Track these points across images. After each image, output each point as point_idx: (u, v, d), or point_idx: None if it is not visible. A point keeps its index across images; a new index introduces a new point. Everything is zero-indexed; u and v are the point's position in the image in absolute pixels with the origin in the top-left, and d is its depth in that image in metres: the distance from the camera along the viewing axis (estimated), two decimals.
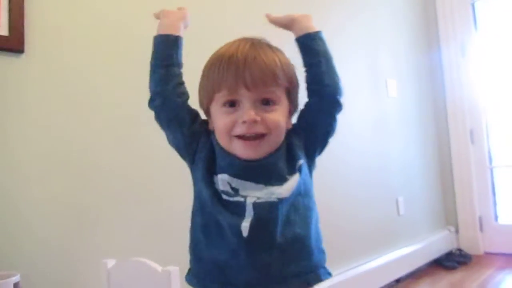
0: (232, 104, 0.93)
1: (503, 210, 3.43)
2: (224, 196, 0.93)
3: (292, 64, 1.00)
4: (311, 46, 1.03)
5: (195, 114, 1.01)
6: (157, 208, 1.70)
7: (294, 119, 1.03)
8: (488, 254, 3.35)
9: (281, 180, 0.94)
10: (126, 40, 1.70)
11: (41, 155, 1.45)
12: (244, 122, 0.90)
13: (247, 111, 0.90)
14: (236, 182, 0.93)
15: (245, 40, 0.98)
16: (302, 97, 1.03)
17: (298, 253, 0.94)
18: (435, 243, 3.25)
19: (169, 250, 1.48)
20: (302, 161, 0.98)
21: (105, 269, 1.26)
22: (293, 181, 0.94)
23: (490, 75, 3.46)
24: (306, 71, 1.02)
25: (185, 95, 1.01)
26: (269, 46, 0.99)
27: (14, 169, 1.39)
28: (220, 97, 0.93)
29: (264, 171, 0.94)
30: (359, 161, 2.71)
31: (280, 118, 0.94)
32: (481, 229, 3.41)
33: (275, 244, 0.91)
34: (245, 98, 0.91)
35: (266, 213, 0.91)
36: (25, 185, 1.40)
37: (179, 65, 1.03)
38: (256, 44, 0.96)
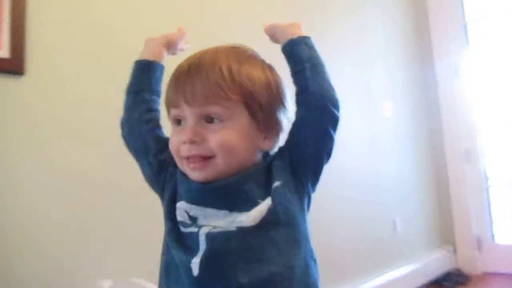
0: (178, 121, 0.83)
1: (500, 230, 3.42)
2: (182, 228, 0.80)
3: (268, 79, 0.85)
4: (294, 52, 0.89)
5: (164, 142, 0.88)
6: (154, 228, 1.69)
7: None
8: (486, 274, 3.33)
9: (251, 205, 0.78)
10: (126, 64, 1.71)
11: (39, 176, 1.46)
12: (184, 142, 0.79)
13: (186, 130, 0.79)
14: (194, 210, 0.79)
15: (214, 47, 0.86)
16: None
17: None
18: (433, 263, 3.23)
19: None
20: (278, 183, 0.81)
21: None
22: (262, 207, 0.78)
23: (484, 94, 3.48)
24: (293, 81, 0.88)
25: (152, 122, 0.91)
26: (243, 56, 0.85)
27: (12, 189, 1.40)
28: (170, 113, 0.85)
29: (226, 195, 0.79)
30: (355, 181, 2.71)
31: (230, 136, 0.79)
32: (479, 248, 3.39)
33: (237, 286, 0.74)
34: (188, 114, 0.80)
35: (220, 245, 0.75)
36: (23, 205, 1.41)
37: (151, 91, 0.93)
38: (214, 52, 0.84)
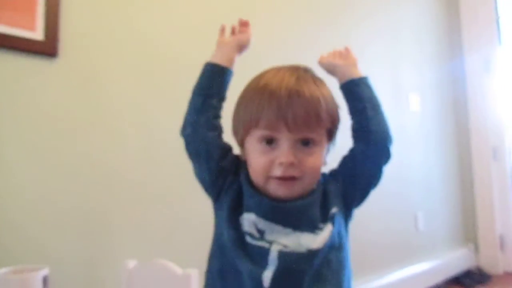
0: (269, 141, 0.86)
1: None
2: (248, 239, 0.85)
3: (335, 100, 0.93)
4: (356, 92, 0.97)
5: (226, 149, 0.94)
6: (177, 210, 1.73)
7: (334, 162, 0.97)
8: (508, 274, 3.29)
9: (312, 227, 0.86)
10: (157, 50, 1.74)
11: (70, 161, 1.50)
12: (281, 163, 0.83)
13: (285, 153, 0.83)
14: (263, 224, 0.85)
15: (290, 70, 0.90)
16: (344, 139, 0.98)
17: None
18: (454, 260, 3.20)
19: (189, 252, 1.51)
20: (336, 210, 0.89)
21: (126, 270, 1.29)
22: (326, 232, 0.85)
23: None
24: (352, 118, 0.96)
25: (218, 129, 0.94)
26: (314, 79, 0.91)
27: (44, 172, 1.44)
28: (257, 132, 0.86)
29: (294, 215, 0.86)
30: None
31: (318, 161, 0.87)
32: (501, 248, 3.35)
33: None
34: (284, 138, 0.84)
35: (292, 264, 0.82)
36: (53, 188, 1.45)
37: (219, 97, 0.95)
38: (301, 78, 0.88)
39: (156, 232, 1.66)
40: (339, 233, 0.88)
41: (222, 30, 1.04)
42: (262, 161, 0.85)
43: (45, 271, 1.15)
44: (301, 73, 0.90)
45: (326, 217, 0.88)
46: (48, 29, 1.47)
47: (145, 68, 1.70)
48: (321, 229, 0.86)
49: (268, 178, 0.86)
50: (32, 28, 1.45)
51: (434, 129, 3.33)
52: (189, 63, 1.80)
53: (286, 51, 2.14)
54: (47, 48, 1.47)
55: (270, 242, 0.84)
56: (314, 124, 0.85)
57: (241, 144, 0.93)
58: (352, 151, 0.95)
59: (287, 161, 0.83)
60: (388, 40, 2.98)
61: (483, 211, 3.42)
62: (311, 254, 0.83)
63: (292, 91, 0.84)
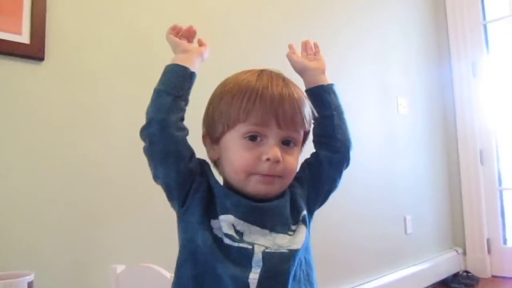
0: (252, 138, 0.85)
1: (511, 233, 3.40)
2: (227, 241, 0.82)
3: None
4: (324, 98, 0.99)
5: (192, 152, 0.90)
6: (166, 214, 1.70)
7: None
8: (495, 278, 3.31)
9: (286, 229, 0.86)
10: (146, 50, 1.73)
11: (56, 163, 1.48)
12: (268, 159, 0.83)
13: (273, 149, 0.84)
14: (241, 225, 0.84)
15: (273, 74, 0.91)
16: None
17: None
18: (442, 263, 3.22)
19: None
20: (305, 213, 0.91)
21: (114, 274, 1.27)
22: (302, 233, 0.87)
23: (501, 97, 3.45)
24: (317, 123, 0.98)
25: (185, 131, 0.90)
26: (294, 83, 0.92)
27: (29, 174, 1.42)
28: (244, 127, 0.85)
29: (270, 216, 0.86)
30: (368, 178, 2.71)
31: (296, 162, 0.90)
32: (489, 251, 3.37)
33: None
34: (272, 135, 0.85)
35: (277, 265, 0.81)
36: (39, 191, 1.43)
37: (186, 100, 0.92)
38: (287, 80, 0.91)
39: (145, 236, 1.64)
40: (308, 236, 0.89)
41: (175, 29, 1.00)
42: (247, 156, 0.84)
43: (30, 277, 1.13)
44: (285, 77, 0.92)
45: (296, 219, 0.89)
46: (35, 32, 1.46)
47: (134, 70, 1.69)
48: (293, 230, 0.87)
49: (250, 174, 0.85)
50: (18, 31, 1.43)
51: (423, 132, 3.36)
52: None
53: (273, 52, 2.14)
54: (33, 52, 1.46)
55: (251, 244, 0.82)
56: (300, 123, 0.87)
57: (217, 140, 0.91)
58: (317, 157, 0.98)
59: (275, 157, 0.83)
60: (377, 45, 3.00)
61: (470, 214, 3.45)
62: (292, 254, 0.83)
63: (283, 91, 0.86)
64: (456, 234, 3.51)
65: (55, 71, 1.50)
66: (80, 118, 1.55)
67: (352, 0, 2.85)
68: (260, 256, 0.81)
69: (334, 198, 2.57)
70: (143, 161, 1.67)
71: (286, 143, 0.87)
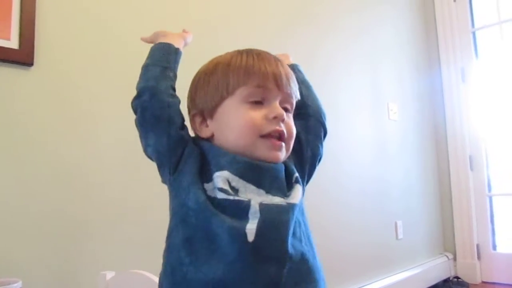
0: (257, 102, 0.85)
1: (501, 239, 3.42)
2: (221, 195, 0.80)
3: None
4: None
5: (184, 121, 0.91)
6: (155, 219, 1.70)
7: None
8: (485, 283, 3.33)
9: (282, 193, 0.84)
10: (136, 57, 1.72)
11: (44, 169, 1.46)
12: (275, 117, 0.84)
13: (278, 107, 0.86)
14: (236, 181, 0.82)
15: (256, 49, 0.93)
16: None
17: (306, 276, 0.80)
18: (433, 269, 3.23)
19: None
20: (297, 175, 0.90)
21: (103, 281, 1.26)
22: (297, 190, 0.86)
23: (490, 103, 3.48)
24: None
25: (176, 98, 0.92)
26: None
27: (18, 181, 1.41)
28: (246, 90, 0.85)
29: (268, 176, 0.84)
30: (358, 183, 2.72)
31: (294, 127, 0.91)
32: (478, 257, 3.39)
33: (287, 256, 0.77)
34: (274, 96, 0.86)
35: (276, 216, 0.79)
36: (27, 198, 1.42)
37: (174, 73, 0.95)
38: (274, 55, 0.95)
39: (135, 242, 1.63)
40: (302, 198, 0.88)
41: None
42: (254, 115, 0.84)
43: (17, 284, 1.12)
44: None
45: (291, 185, 0.88)
46: (24, 37, 1.45)
47: (123, 78, 1.68)
48: (289, 195, 0.85)
49: (257, 137, 0.84)
50: (7, 37, 1.42)
51: (413, 138, 3.38)
52: None
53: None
54: (22, 57, 1.44)
55: (247, 198, 0.80)
56: (294, 88, 0.91)
57: (211, 112, 0.89)
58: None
59: (281, 115, 0.85)
60: (367, 51, 3.02)
61: (460, 220, 3.47)
62: (291, 207, 0.81)
63: (275, 57, 0.91)
64: (446, 240, 3.53)
65: (44, 76, 1.49)
66: (69, 124, 1.53)
67: (343, 6, 2.87)
68: (257, 208, 0.78)
69: (324, 202, 2.57)
70: (132, 168, 1.67)
71: (285, 109, 0.88)
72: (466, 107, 3.49)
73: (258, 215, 0.77)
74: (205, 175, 0.84)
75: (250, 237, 0.75)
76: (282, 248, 0.77)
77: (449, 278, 3.33)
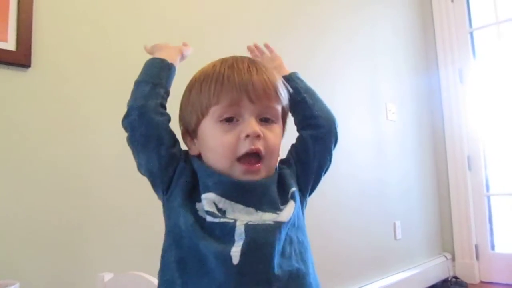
0: (229, 119, 0.83)
1: (500, 239, 3.42)
2: (209, 218, 0.80)
3: None
4: (292, 86, 0.97)
5: (175, 138, 0.90)
6: (154, 221, 1.70)
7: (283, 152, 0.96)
8: (484, 283, 3.33)
9: (273, 208, 0.82)
10: (133, 58, 1.72)
11: (42, 170, 1.46)
12: (247, 136, 0.81)
13: (251, 124, 0.81)
14: (223, 203, 0.81)
15: (237, 56, 0.90)
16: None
17: None
18: (432, 269, 3.23)
19: None
20: (295, 189, 0.88)
21: (101, 283, 1.26)
22: (290, 207, 0.84)
23: (488, 103, 3.48)
24: (294, 112, 0.98)
25: (166, 116, 0.90)
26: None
27: (15, 182, 1.40)
28: (218, 110, 0.83)
29: (255, 194, 0.82)
30: (356, 183, 2.72)
31: (278, 139, 0.87)
32: (477, 257, 3.39)
33: (273, 277, 0.76)
34: (247, 112, 0.82)
35: (261, 236, 0.77)
36: (24, 200, 1.41)
37: (166, 90, 0.93)
38: (253, 60, 0.90)
39: (133, 244, 1.63)
40: (298, 214, 0.86)
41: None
42: (227, 139, 0.82)
43: (15, 287, 1.11)
44: (250, 58, 0.91)
45: (285, 199, 0.85)
46: (21, 39, 1.45)
47: (119, 80, 1.68)
48: (282, 210, 0.83)
49: (233, 160, 0.82)
50: (4, 38, 1.42)
51: (411, 138, 3.38)
52: None
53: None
54: (20, 59, 1.44)
55: (234, 219, 0.79)
56: (273, 94, 0.85)
57: (194, 132, 0.89)
58: (301, 137, 0.96)
59: (254, 132, 0.81)
60: (365, 51, 3.02)
61: (459, 220, 3.47)
62: (278, 226, 0.79)
63: (250, 66, 0.85)
64: (445, 240, 3.53)
65: (41, 78, 1.49)
66: (66, 125, 1.53)
67: (342, 7, 2.87)
68: (243, 228, 0.77)
69: (323, 203, 2.58)
70: (130, 170, 1.66)
71: (265, 120, 0.84)
72: (464, 107, 3.49)
73: (243, 236, 0.77)
74: (196, 194, 0.84)
75: (235, 260, 0.75)
76: (267, 269, 0.76)
77: (447, 278, 3.33)
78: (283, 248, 0.80)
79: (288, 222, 0.81)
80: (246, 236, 0.77)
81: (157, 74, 0.94)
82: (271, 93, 0.84)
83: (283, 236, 0.80)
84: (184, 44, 1.08)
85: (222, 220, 0.79)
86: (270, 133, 0.84)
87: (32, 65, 1.46)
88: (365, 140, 2.86)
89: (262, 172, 0.84)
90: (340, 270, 2.46)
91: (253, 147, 0.81)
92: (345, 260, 2.52)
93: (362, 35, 3.01)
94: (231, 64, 0.85)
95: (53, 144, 1.50)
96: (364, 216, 2.74)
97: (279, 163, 0.92)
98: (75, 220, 1.51)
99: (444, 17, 3.61)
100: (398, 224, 3.03)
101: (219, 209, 0.80)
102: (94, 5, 1.66)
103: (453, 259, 3.47)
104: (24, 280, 1.23)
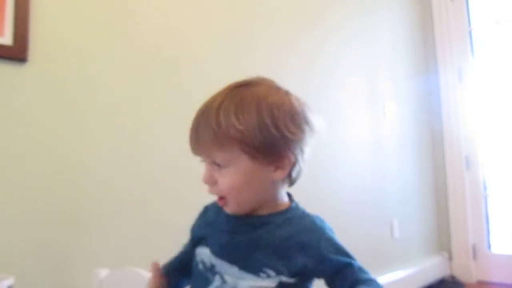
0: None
1: (496, 239, 3.43)
2: (200, 266, 0.87)
3: (254, 120, 0.81)
4: None
5: (190, 253, 0.94)
6: (151, 217, 1.70)
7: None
8: (480, 283, 3.33)
9: (257, 269, 0.81)
10: (129, 51, 1.72)
11: (40, 164, 1.46)
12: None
13: (204, 172, 0.86)
14: (214, 260, 0.85)
15: (219, 92, 0.87)
16: None
17: None
18: (429, 268, 3.23)
19: (162, 259, 1.48)
20: (284, 279, 0.81)
21: (97, 279, 1.25)
22: (259, 283, 0.80)
23: (486, 103, 3.48)
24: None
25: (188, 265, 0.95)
26: (231, 100, 0.83)
27: (13, 175, 1.40)
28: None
29: (241, 252, 0.83)
30: (355, 182, 2.72)
31: (231, 181, 0.83)
32: (474, 257, 3.39)
33: None
34: (203, 158, 0.87)
35: None
36: (23, 192, 1.41)
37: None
38: (213, 100, 0.85)
39: (129, 239, 1.62)
40: None
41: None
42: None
43: (9, 281, 1.11)
44: (228, 93, 0.85)
45: (281, 263, 0.82)
46: (18, 33, 1.44)
47: (117, 71, 1.68)
48: (267, 275, 0.80)
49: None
50: (0, 33, 1.41)
51: (410, 137, 3.37)
52: (162, 68, 1.79)
53: (262, 57, 2.15)
54: (16, 53, 1.44)
55: (215, 274, 0.84)
56: (213, 146, 0.82)
57: None
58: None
59: (204, 181, 0.86)
60: (365, 51, 3.02)
61: (456, 220, 3.47)
62: None
63: (199, 112, 0.85)
64: (442, 239, 3.53)
65: (38, 72, 1.48)
66: (64, 119, 1.53)
67: (342, 8, 2.87)
68: None
69: (322, 202, 2.57)
70: (129, 164, 1.66)
71: (217, 164, 0.84)
72: (462, 107, 3.49)
73: None
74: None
75: None
76: None
77: (444, 277, 3.33)
78: None
79: None
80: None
81: None
82: (210, 143, 0.82)
83: None
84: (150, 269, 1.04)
85: (206, 274, 0.85)
86: (222, 177, 0.84)
87: (28, 59, 1.46)
88: (363, 139, 2.86)
89: (230, 205, 0.86)
90: None
91: (210, 191, 0.87)
92: None
93: (361, 35, 3.01)
94: (200, 113, 0.86)
95: (51, 137, 1.49)
96: (361, 215, 2.73)
97: (307, 231, 0.90)
98: (72, 215, 1.51)
99: (443, 16, 3.60)
100: (395, 222, 3.03)
101: (211, 263, 0.86)
102: (91, 0, 1.65)
103: (450, 258, 3.47)
104: (20, 274, 1.22)
